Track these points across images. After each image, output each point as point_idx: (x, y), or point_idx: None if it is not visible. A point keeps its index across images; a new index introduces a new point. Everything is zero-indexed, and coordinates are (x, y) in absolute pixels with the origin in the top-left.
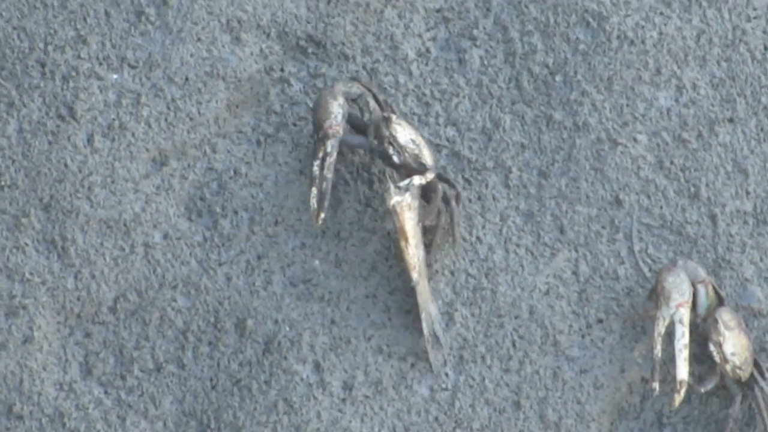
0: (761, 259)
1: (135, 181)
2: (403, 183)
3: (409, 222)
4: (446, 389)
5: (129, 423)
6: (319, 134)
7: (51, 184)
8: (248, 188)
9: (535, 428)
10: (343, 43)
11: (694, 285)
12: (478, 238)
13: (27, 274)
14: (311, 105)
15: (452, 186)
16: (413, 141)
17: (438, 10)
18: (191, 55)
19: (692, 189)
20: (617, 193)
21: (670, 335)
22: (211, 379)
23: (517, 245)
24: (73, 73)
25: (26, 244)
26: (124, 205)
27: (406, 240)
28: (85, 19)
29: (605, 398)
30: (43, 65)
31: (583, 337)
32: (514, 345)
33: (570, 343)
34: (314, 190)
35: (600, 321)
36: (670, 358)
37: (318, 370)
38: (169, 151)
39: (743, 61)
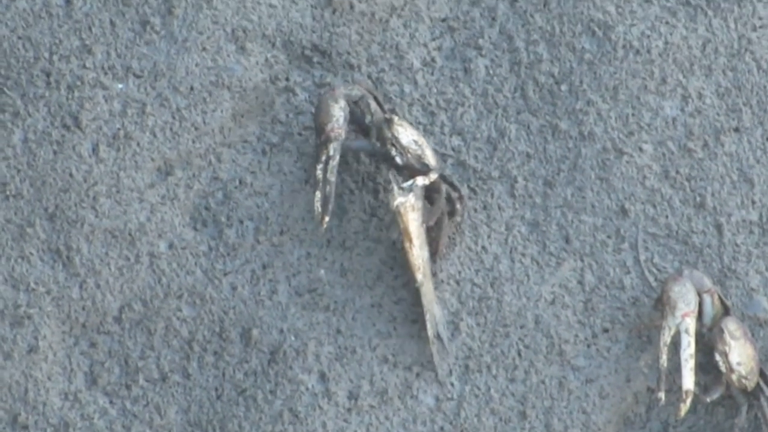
0: (767, 269)
1: (140, 190)
2: (407, 184)
3: (413, 223)
4: (452, 399)
5: None
6: (321, 138)
7: (56, 193)
8: (253, 198)
9: None
10: (349, 53)
11: (699, 294)
12: (483, 247)
13: (32, 284)
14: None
15: (455, 188)
16: (416, 142)
17: (443, 20)
18: (196, 65)
19: (698, 198)
20: (623, 203)
21: (675, 345)
22: (217, 389)
23: (523, 255)
24: (78, 83)
25: (31, 253)
26: (129, 215)
27: (410, 241)
28: (90, 29)
29: (611, 408)
30: (48, 75)
31: (588, 346)
32: (519, 354)
33: (576, 352)
34: (318, 194)
35: (606, 330)
36: (675, 368)
37: (323, 379)
38: (174, 160)
39: (749, 71)
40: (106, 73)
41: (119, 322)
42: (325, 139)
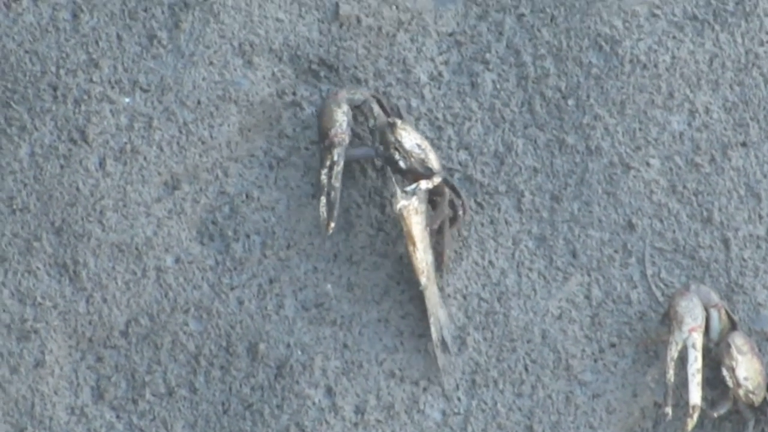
0: None
1: (147, 204)
2: (410, 187)
3: (417, 226)
4: (458, 414)
5: None
6: (324, 143)
7: (63, 207)
8: (260, 212)
9: None
10: (356, 67)
11: (706, 309)
12: (490, 262)
13: (39, 298)
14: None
15: (458, 194)
16: (419, 146)
17: (450, 34)
18: (203, 79)
19: (705, 213)
20: (630, 218)
21: (682, 360)
22: (223, 404)
23: (530, 269)
24: (85, 97)
25: (38, 267)
26: (135, 229)
27: (414, 244)
28: (97, 43)
29: (618, 423)
30: (55, 89)
31: (595, 361)
32: (526, 369)
33: (582, 367)
34: (323, 200)
35: (613, 345)
36: (682, 383)
37: (330, 394)
38: (181, 174)
39: (756, 86)
40: (113, 87)
41: (126, 337)
42: (329, 144)
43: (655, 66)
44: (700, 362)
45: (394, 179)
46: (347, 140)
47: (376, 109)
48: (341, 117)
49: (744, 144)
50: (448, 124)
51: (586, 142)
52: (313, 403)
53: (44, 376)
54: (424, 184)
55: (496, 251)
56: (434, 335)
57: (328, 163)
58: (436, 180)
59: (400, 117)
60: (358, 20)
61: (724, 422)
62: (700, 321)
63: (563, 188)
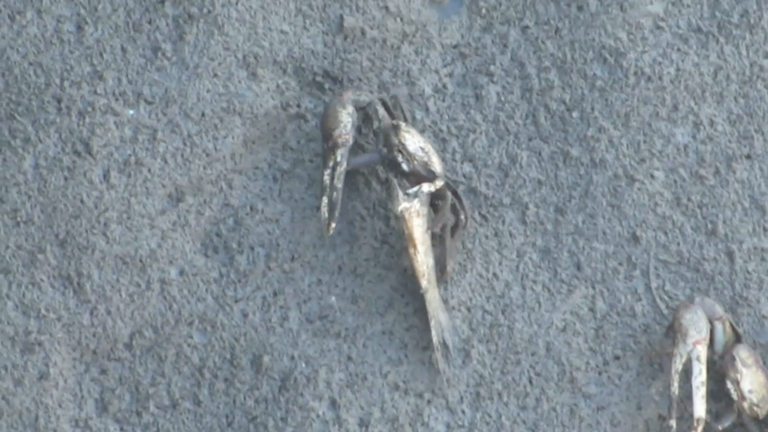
0: None
1: (151, 217)
2: (412, 190)
3: (418, 229)
4: (463, 426)
5: None
6: (328, 143)
7: (67, 219)
8: (264, 224)
9: None
10: (360, 79)
11: (711, 322)
12: (494, 274)
13: (43, 310)
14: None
15: (459, 198)
16: (422, 149)
17: (455, 46)
18: (207, 91)
19: (709, 226)
20: (634, 230)
21: (687, 372)
22: (227, 416)
23: (534, 282)
24: (90, 109)
25: (42, 280)
26: (140, 241)
27: (415, 247)
28: (101, 55)
29: None
30: (59, 101)
31: (600, 374)
32: (530, 382)
33: (587, 380)
34: (324, 200)
35: (617, 358)
36: (687, 396)
37: (334, 406)
38: (185, 187)
39: (761, 98)
40: (117, 99)
41: (130, 349)
42: (332, 144)
43: (660, 78)
44: (704, 375)
45: (396, 181)
46: (351, 141)
47: (381, 111)
48: (346, 118)
49: (748, 156)
50: (453, 137)
51: (591, 155)
52: (318, 416)
53: (48, 388)
54: (426, 188)
55: (500, 263)
56: (435, 338)
57: (331, 163)
58: (439, 183)
59: (405, 120)
60: (363, 32)
61: None
62: (705, 333)
63: (567, 200)
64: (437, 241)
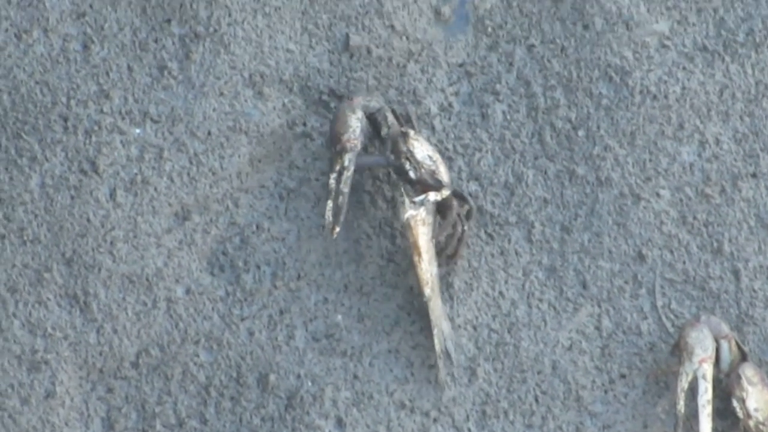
0: None
1: (157, 235)
2: (419, 198)
3: (423, 237)
4: None
5: None
6: (336, 147)
7: (73, 238)
8: (270, 243)
9: None
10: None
11: (717, 340)
12: (500, 292)
13: (49, 329)
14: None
15: (466, 202)
16: (430, 157)
17: (461, 65)
18: (214, 110)
19: (715, 244)
20: (640, 248)
21: (693, 391)
22: None
23: (540, 300)
24: (96, 128)
25: (48, 298)
26: (146, 260)
27: (419, 255)
28: (107, 74)
29: None
30: (65, 120)
31: (606, 392)
32: (536, 400)
33: (593, 398)
34: (330, 204)
35: (623, 376)
36: (693, 414)
37: (340, 425)
38: (192, 205)
39: (766, 116)
40: (123, 118)
41: (136, 368)
42: (340, 149)
43: (666, 97)
44: (710, 393)
45: (403, 189)
46: (359, 146)
47: (390, 118)
48: (355, 123)
49: (754, 175)
50: (459, 155)
51: (597, 173)
52: None
53: (55, 407)
54: (433, 196)
55: (506, 282)
56: (437, 346)
57: (337, 167)
58: (445, 192)
59: (413, 128)
60: (369, 51)
61: None
62: (711, 352)
63: (573, 219)
64: (446, 241)
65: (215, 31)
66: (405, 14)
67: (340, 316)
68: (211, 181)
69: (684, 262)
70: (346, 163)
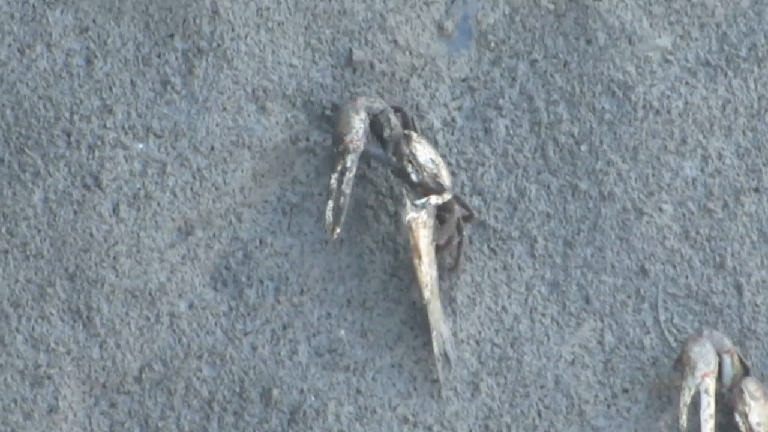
0: None
1: (160, 250)
2: (420, 201)
3: (423, 240)
4: None
5: None
6: (338, 148)
7: (76, 253)
8: (273, 258)
9: None
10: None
11: (719, 355)
12: (503, 307)
13: (52, 344)
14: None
15: (467, 208)
16: (432, 161)
17: (464, 80)
18: (217, 125)
19: (718, 259)
20: (643, 263)
21: (695, 405)
22: None
23: (543, 315)
24: (99, 143)
25: (51, 313)
26: (149, 275)
27: (420, 258)
28: (110, 89)
29: None
30: (68, 135)
31: (608, 407)
32: (539, 415)
33: (596, 413)
34: (330, 203)
35: (625, 391)
36: (695, 429)
37: None
38: (195, 220)
39: None
40: (126, 133)
41: (139, 382)
42: (343, 149)
43: (668, 112)
44: (712, 408)
45: (404, 191)
46: (362, 148)
47: (393, 119)
48: (358, 124)
49: (757, 189)
50: (462, 170)
51: (599, 188)
52: None
53: (58, 422)
54: (434, 199)
55: (509, 297)
56: (436, 349)
57: (339, 167)
58: (447, 196)
59: (416, 130)
60: (372, 66)
61: None
62: (713, 366)
63: (576, 234)
64: (446, 248)
65: (218, 46)
66: (408, 29)
67: (343, 331)
68: (214, 196)
69: (687, 277)
70: (349, 163)
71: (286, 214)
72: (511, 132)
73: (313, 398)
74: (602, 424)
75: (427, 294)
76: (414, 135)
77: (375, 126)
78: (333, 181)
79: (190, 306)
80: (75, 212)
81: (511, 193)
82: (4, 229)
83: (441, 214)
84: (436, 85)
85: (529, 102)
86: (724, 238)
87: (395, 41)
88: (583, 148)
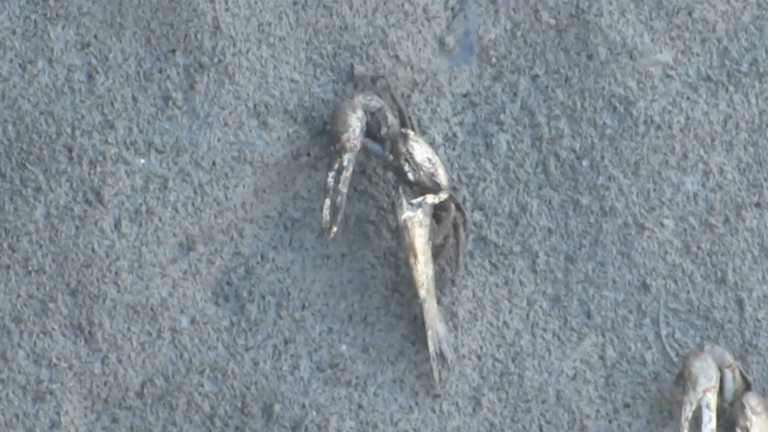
0: None
1: (162, 265)
2: (416, 200)
3: (419, 239)
4: None
5: None
6: (335, 146)
7: (78, 268)
8: (275, 273)
9: None
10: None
11: (721, 370)
12: (505, 322)
13: (54, 359)
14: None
15: (461, 212)
16: (429, 160)
17: (465, 95)
18: (218, 140)
19: (719, 274)
20: (644, 278)
21: (697, 420)
22: None
23: (544, 330)
24: (101, 158)
25: (53, 329)
26: (151, 290)
27: (415, 257)
28: (112, 104)
29: None
30: (70, 150)
31: (610, 422)
32: (541, 430)
33: (597, 428)
34: (327, 202)
35: (627, 406)
36: None
37: None
38: (196, 235)
39: None
40: (128, 149)
41: (141, 398)
42: (339, 148)
43: (669, 127)
44: (714, 423)
45: (401, 190)
46: (359, 146)
47: (390, 118)
48: (355, 122)
49: (758, 205)
50: (463, 185)
51: (601, 203)
52: None
53: None
54: (431, 199)
55: (510, 312)
56: (432, 348)
57: (336, 166)
58: (443, 196)
59: (413, 129)
60: (373, 81)
61: None
62: (715, 381)
63: (577, 249)
64: (446, 250)
65: (220, 61)
66: (409, 44)
67: (344, 346)
68: (216, 211)
69: (688, 292)
70: (345, 162)
71: (288, 229)
72: (513, 147)
73: (314, 413)
74: None
75: (422, 293)
76: (411, 134)
77: (372, 124)
78: (330, 180)
79: (192, 321)
80: (77, 227)
81: (512, 208)
82: (5, 245)
83: (438, 213)
84: (438, 100)
85: (530, 117)
86: (726, 253)
87: (396, 56)
88: (585, 163)
